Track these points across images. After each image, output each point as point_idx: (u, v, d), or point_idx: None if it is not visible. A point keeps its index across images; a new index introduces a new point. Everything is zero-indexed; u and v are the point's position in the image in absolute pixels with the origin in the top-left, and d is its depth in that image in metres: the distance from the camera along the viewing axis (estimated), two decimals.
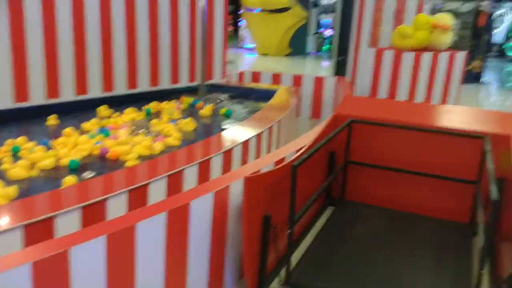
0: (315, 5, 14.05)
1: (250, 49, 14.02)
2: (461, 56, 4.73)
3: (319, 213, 2.62)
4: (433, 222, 2.53)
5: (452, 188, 2.53)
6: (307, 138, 2.57)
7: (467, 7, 8.34)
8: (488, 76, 10.93)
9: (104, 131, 2.97)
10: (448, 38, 4.64)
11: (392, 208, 2.68)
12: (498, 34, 15.24)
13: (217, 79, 4.79)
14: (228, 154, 2.59)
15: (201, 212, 1.66)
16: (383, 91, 4.73)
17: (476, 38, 8.47)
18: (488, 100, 8.02)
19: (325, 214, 2.64)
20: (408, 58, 4.53)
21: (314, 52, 14.02)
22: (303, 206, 2.06)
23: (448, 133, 2.50)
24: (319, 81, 5.39)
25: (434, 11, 10.59)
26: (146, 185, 2.06)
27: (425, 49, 4.66)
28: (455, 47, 4.91)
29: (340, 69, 6.57)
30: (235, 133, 2.95)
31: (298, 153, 2.17)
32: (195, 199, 1.62)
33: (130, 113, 3.46)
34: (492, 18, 8.42)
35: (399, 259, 2.14)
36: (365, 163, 2.72)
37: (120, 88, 3.98)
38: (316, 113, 5.51)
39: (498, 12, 15.64)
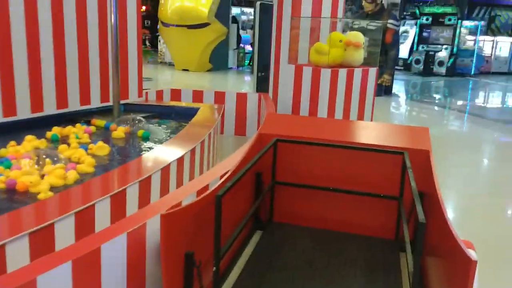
0: (235, 21, 14.19)
1: (170, 65, 13.74)
2: (373, 72, 4.94)
3: (247, 239, 2.50)
4: (361, 240, 2.53)
5: (377, 205, 2.55)
6: (232, 160, 2.45)
7: (375, 25, 8.85)
8: (397, 88, 11.72)
9: (4, 162, 2.62)
10: (360, 55, 4.83)
11: (321, 227, 2.65)
12: (403, 49, 16.52)
13: (133, 98, 4.54)
14: (146, 182, 2.39)
15: (114, 257, 1.46)
16: (304, 107, 4.79)
17: (384, 54, 9.01)
18: (399, 111, 8.57)
19: (253, 239, 2.53)
20: (326, 75, 4.63)
21: (235, 67, 14.11)
22: (230, 236, 1.93)
23: (370, 149, 2.52)
24: (241, 98, 5.34)
25: (346, 29, 11.18)
26: (50, 226, 1.81)
27: (340, 65, 4.80)
28: (366, 63, 5.13)
29: (261, 86, 6.60)
30: (153, 157, 2.76)
31: (222, 179, 2.04)
32: (105, 243, 1.42)
33: (32, 141, 3.10)
34: (398, 34, 9.02)
35: (330, 279, 2.08)
36: (292, 183, 2.66)
37: (24, 111, 3.59)
38: (240, 130, 5.45)
39: (402, 29, 16.96)
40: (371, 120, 5.09)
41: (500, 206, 4.10)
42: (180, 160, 2.78)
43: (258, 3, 6.22)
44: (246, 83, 11.33)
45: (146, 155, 2.80)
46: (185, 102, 5.14)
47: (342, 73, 4.69)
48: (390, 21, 8.72)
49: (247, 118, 5.27)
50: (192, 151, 2.98)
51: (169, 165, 2.62)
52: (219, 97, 5.25)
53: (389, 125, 2.93)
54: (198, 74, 12.22)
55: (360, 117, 4.96)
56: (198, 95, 5.27)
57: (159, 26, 12.83)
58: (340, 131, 2.83)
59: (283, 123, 3.02)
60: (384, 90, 9.29)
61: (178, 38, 12.21)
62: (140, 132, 3.57)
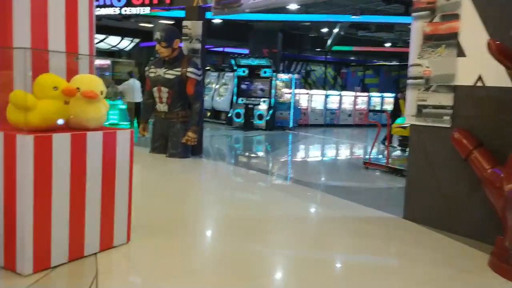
0: None
1: None
2: (125, 136, 3.08)
3: None
4: None
5: None
6: None
7: (173, 73, 7.26)
8: (214, 146, 10.32)
9: None
10: (99, 110, 2.94)
11: None
12: (224, 102, 15.61)
13: None
14: None
15: None
16: None
17: (188, 107, 7.46)
18: (207, 180, 6.89)
19: None
20: (25, 145, 2.58)
21: None
22: None
23: None
24: None
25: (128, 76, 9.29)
26: None
27: (64, 127, 2.83)
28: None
29: None
30: None
31: None
32: None
33: None
34: (201, 85, 7.57)
35: None
36: None
37: None
38: None
39: (222, 81, 16.13)
40: (129, 214, 3.17)
41: None
42: None
43: None
44: None
45: None
46: None
47: (61, 140, 2.70)
48: (189, 69, 7.23)
49: None
50: None
51: None
52: None
53: None
54: None
55: (108, 215, 2.99)
56: None
57: None
58: None
59: None
60: (192, 150, 7.64)
61: None
62: None
